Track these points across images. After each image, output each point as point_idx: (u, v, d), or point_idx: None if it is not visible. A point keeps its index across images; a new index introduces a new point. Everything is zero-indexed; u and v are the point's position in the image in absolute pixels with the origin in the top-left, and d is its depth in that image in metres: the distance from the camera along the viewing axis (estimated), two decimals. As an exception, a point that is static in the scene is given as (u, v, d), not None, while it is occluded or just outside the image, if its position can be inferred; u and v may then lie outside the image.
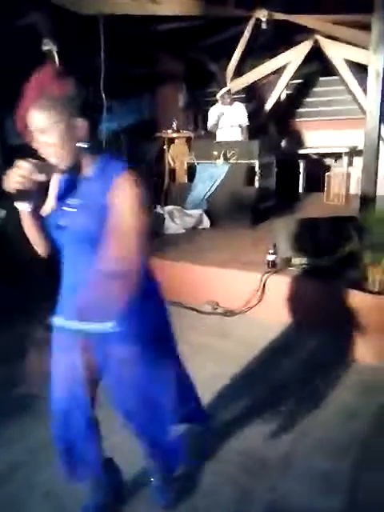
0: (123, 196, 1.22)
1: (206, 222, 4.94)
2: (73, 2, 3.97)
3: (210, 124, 5.66)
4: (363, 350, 2.72)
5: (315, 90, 6.63)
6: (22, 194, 1.23)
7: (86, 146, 1.24)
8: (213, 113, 5.63)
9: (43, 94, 1.20)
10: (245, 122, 5.49)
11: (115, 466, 1.77)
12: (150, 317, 1.44)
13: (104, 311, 1.26)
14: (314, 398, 2.42)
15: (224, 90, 5.50)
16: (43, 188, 1.32)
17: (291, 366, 2.75)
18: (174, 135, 6.07)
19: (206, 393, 2.47)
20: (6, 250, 4.27)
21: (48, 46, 4.18)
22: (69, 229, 1.30)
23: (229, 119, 5.49)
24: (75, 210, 1.30)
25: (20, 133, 1.26)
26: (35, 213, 1.33)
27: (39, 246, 1.43)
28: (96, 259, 1.23)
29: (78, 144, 1.24)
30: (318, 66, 6.29)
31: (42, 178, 1.22)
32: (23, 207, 1.29)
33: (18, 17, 4.30)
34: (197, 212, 4.96)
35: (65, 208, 1.32)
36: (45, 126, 1.21)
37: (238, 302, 3.41)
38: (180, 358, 1.70)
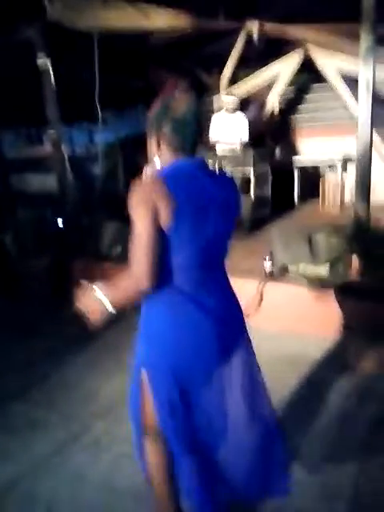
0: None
1: (203, 232, 4.96)
2: (68, 19, 4.02)
3: (212, 135, 5.55)
4: (362, 358, 2.74)
5: (307, 96, 6.69)
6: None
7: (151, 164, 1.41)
8: (216, 122, 5.52)
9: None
10: (245, 136, 5.42)
11: None
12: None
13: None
14: (314, 409, 2.43)
15: (231, 98, 5.44)
16: None
17: (291, 377, 2.74)
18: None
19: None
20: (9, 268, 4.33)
21: (43, 60, 4.24)
22: None
23: (230, 130, 5.48)
24: None
25: None
26: None
27: None
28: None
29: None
30: (309, 73, 6.36)
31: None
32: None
33: (13, 33, 4.36)
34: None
35: None
36: None
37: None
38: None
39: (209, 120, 5.81)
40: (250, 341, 1.58)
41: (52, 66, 4.30)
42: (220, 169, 5.10)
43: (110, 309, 1.30)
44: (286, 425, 2.24)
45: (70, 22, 4.04)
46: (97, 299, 1.31)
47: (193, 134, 1.35)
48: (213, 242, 1.37)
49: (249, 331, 1.58)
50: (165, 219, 1.25)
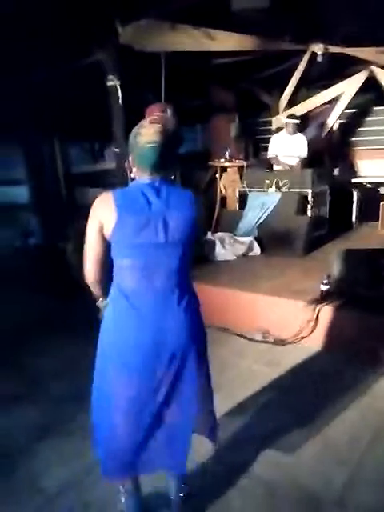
0: None
1: (257, 249, 4.96)
2: (138, 41, 4.23)
3: (270, 153, 5.67)
4: None
5: (369, 119, 6.58)
6: None
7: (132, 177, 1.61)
8: (275, 141, 5.64)
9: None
10: (304, 153, 5.47)
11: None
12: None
13: None
14: (363, 433, 2.35)
15: (292, 121, 5.50)
16: None
17: (342, 399, 2.67)
18: (227, 164, 6.18)
19: (254, 422, 2.48)
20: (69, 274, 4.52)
21: (112, 81, 4.45)
22: None
23: (289, 149, 5.52)
24: None
25: None
26: None
27: None
28: None
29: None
30: (371, 95, 6.26)
31: None
32: None
33: (86, 56, 4.63)
34: (248, 239, 5.00)
35: None
36: None
37: (290, 331, 3.38)
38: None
39: (265, 140, 5.87)
40: (196, 354, 1.64)
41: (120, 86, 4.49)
42: (278, 187, 5.12)
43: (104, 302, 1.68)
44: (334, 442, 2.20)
45: (139, 45, 4.24)
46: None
47: (152, 164, 1.52)
48: (153, 252, 1.54)
49: (200, 345, 1.68)
50: (108, 227, 1.51)
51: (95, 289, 1.67)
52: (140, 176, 1.56)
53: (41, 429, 2.50)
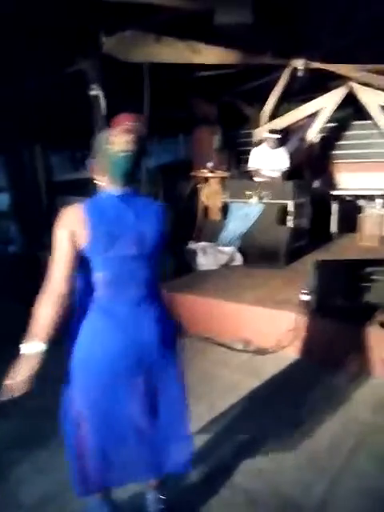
0: None
1: (239, 259, 5.00)
2: (122, 52, 4.26)
3: (251, 165, 5.73)
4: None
5: (348, 133, 6.73)
6: None
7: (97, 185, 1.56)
8: (256, 154, 5.71)
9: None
10: (286, 165, 5.54)
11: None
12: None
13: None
14: (344, 440, 2.37)
15: (274, 135, 5.57)
16: None
17: (322, 407, 2.69)
18: (209, 175, 6.24)
19: (235, 430, 2.48)
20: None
21: (95, 91, 4.46)
22: None
23: (271, 163, 5.59)
24: None
25: None
26: None
27: None
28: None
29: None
30: (351, 110, 6.42)
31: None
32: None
33: (70, 65, 4.64)
34: (230, 249, 5.03)
35: None
36: None
37: (271, 341, 3.40)
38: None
39: (246, 152, 5.96)
40: (171, 356, 1.69)
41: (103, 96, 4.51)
42: (260, 198, 5.19)
43: (39, 347, 1.53)
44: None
45: (123, 56, 4.27)
46: (24, 357, 1.53)
47: (124, 173, 1.50)
48: (126, 264, 1.54)
49: (174, 348, 1.71)
50: (80, 240, 1.46)
51: (54, 307, 1.45)
52: (108, 186, 1.53)
53: (18, 442, 2.45)
